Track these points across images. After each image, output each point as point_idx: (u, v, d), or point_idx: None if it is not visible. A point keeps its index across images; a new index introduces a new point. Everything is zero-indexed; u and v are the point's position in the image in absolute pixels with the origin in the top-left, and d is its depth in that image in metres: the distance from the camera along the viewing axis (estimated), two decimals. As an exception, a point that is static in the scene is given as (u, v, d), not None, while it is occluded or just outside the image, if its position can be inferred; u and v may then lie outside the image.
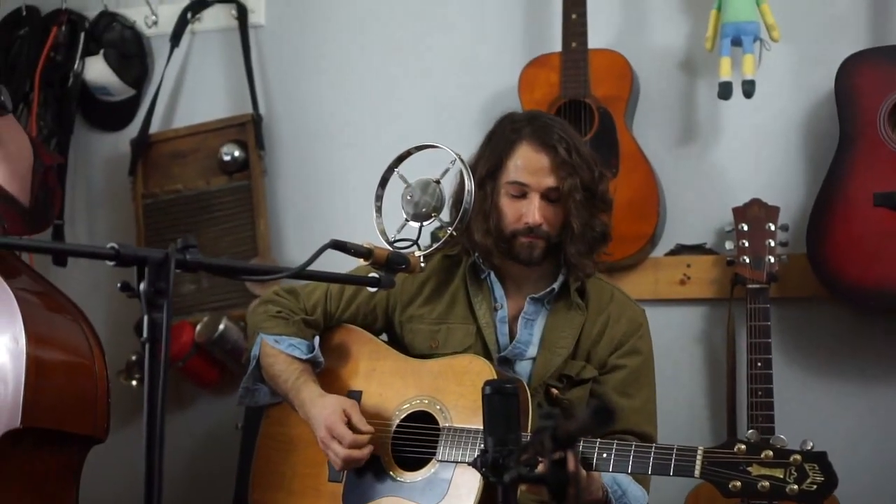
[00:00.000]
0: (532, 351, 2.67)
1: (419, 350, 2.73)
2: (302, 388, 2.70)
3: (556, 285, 2.68)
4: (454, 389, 2.59)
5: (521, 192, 2.61)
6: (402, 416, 2.64)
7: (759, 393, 2.99)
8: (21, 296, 2.65)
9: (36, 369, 2.57)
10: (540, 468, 1.59)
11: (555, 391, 2.63)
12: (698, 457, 2.23)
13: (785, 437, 2.16)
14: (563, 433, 1.42)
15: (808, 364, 3.29)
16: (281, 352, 2.75)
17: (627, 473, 2.42)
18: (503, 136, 2.64)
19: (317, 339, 2.79)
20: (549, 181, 2.60)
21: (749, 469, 2.16)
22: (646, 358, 2.70)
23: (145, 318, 1.63)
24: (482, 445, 2.45)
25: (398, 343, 2.79)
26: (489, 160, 2.63)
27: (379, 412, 2.66)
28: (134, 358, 3.72)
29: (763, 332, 3.02)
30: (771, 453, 2.15)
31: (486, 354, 2.65)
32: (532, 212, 2.59)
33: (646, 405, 2.67)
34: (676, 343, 3.37)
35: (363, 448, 2.58)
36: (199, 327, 3.62)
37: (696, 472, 2.23)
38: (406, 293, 2.77)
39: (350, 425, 2.59)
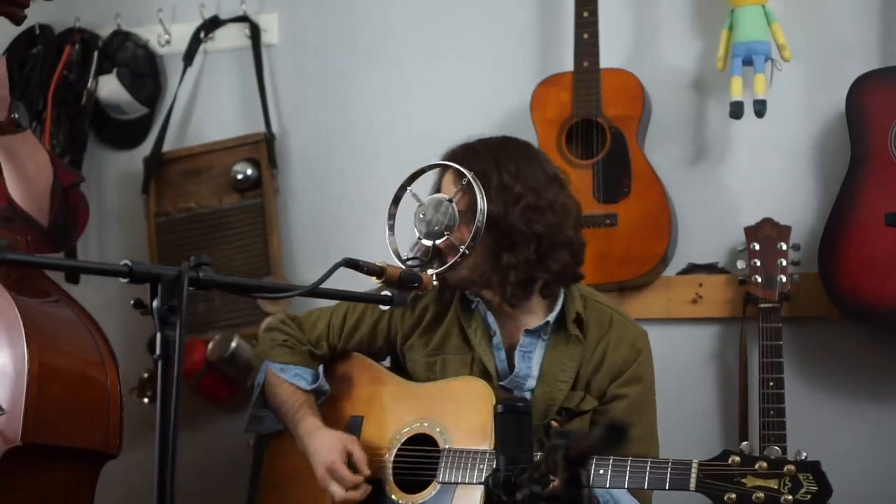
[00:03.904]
0: (531, 383, 2.65)
1: (419, 380, 2.74)
2: (301, 422, 2.71)
3: (550, 318, 2.63)
4: (453, 411, 2.59)
5: None
6: (403, 440, 2.64)
7: (771, 412, 2.98)
8: (26, 309, 2.58)
9: (38, 385, 2.51)
10: (553, 486, 1.59)
11: (554, 423, 2.61)
12: (693, 470, 2.24)
13: (778, 449, 2.18)
14: (575, 452, 1.42)
15: (820, 383, 3.28)
16: (285, 381, 2.76)
17: (625, 489, 2.43)
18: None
19: (321, 367, 2.80)
20: None
21: (744, 481, 2.17)
22: (647, 383, 2.67)
23: (158, 336, 1.63)
24: (481, 466, 2.46)
25: (402, 370, 2.79)
26: None
27: (381, 437, 2.67)
28: (146, 375, 3.71)
29: (775, 351, 3.02)
30: (765, 464, 2.16)
31: (486, 380, 2.62)
32: None
33: (647, 431, 2.66)
34: (688, 362, 3.36)
35: (360, 489, 2.59)
36: (211, 345, 3.61)
37: (692, 486, 2.24)
38: (407, 323, 2.76)
39: (350, 464, 2.60)
